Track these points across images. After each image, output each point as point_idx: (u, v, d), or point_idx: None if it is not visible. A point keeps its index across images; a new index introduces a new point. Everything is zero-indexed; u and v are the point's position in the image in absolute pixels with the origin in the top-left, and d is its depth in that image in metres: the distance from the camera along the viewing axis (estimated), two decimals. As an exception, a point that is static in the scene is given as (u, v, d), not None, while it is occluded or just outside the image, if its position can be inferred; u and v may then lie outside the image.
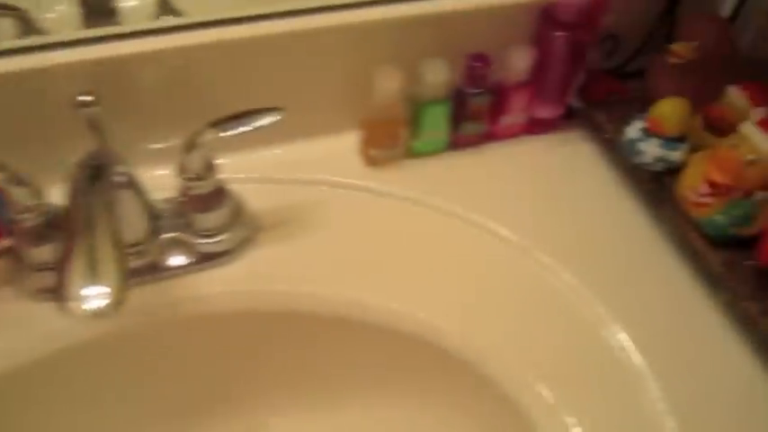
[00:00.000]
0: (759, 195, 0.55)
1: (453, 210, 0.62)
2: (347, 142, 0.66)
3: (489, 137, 0.68)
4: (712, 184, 0.56)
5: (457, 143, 0.67)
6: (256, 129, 0.53)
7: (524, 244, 0.61)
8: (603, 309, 0.57)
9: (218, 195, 0.56)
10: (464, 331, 0.55)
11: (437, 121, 0.64)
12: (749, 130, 0.55)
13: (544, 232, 0.61)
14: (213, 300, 0.56)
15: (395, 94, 0.61)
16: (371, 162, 0.65)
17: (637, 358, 0.54)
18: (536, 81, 0.65)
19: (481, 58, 0.62)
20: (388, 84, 0.60)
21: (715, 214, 0.56)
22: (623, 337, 0.55)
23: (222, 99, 0.58)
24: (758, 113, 0.56)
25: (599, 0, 0.63)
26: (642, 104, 0.65)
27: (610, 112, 0.67)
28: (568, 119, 0.70)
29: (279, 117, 0.54)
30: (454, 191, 0.64)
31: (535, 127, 0.69)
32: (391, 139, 0.63)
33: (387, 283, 0.58)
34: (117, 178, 0.50)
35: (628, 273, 0.60)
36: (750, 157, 0.54)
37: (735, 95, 0.61)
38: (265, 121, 0.54)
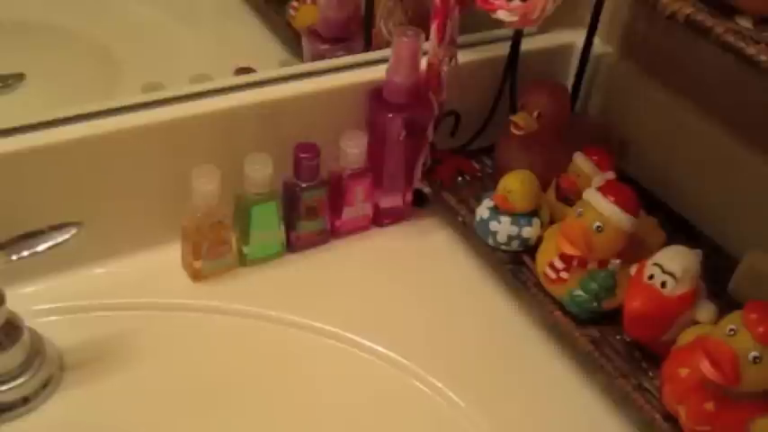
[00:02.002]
0: (614, 264, 0.55)
1: (295, 321, 0.60)
2: (169, 256, 0.63)
3: (333, 234, 0.66)
4: (565, 258, 0.56)
5: (295, 244, 0.65)
6: (51, 248, 0.52)
7: (382, 353, 0.58)
8: (478, 413, 0.55)
9: (8, 334, 0.52)
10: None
11: (267, 222, 0.62)
12: (591, 196, 0.55)
13: (403, 337, 0.59)
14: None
15: (215, 196, 0.59)
16: (198, 276, 0.62)
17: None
18: (375, 168, 0.65)
19: (309, 149, 0.61)
20: (206, 184, 0.58)
21: (574, 289, 0.56)
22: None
23: (16, 216, 0.55)
24: (600, 179, 0.57)
25: (429, 78, 0.64)
26: (494, 181, 0.65)
27: (460, 194, 0.68)
28: (420, 205, 0.70)
29: (74, 233, 0.53)
30: (296, 300, 0.61)
31: (383, 218, 0.68)
32: (218, 247, 0.61)
33: (224, 419, 0.54)
34: None
35: (499, 368, 0.58)
36: (596, 224, 0.54)
37: (581, 162, 0.63)
38: (60, 238, 0.53)
